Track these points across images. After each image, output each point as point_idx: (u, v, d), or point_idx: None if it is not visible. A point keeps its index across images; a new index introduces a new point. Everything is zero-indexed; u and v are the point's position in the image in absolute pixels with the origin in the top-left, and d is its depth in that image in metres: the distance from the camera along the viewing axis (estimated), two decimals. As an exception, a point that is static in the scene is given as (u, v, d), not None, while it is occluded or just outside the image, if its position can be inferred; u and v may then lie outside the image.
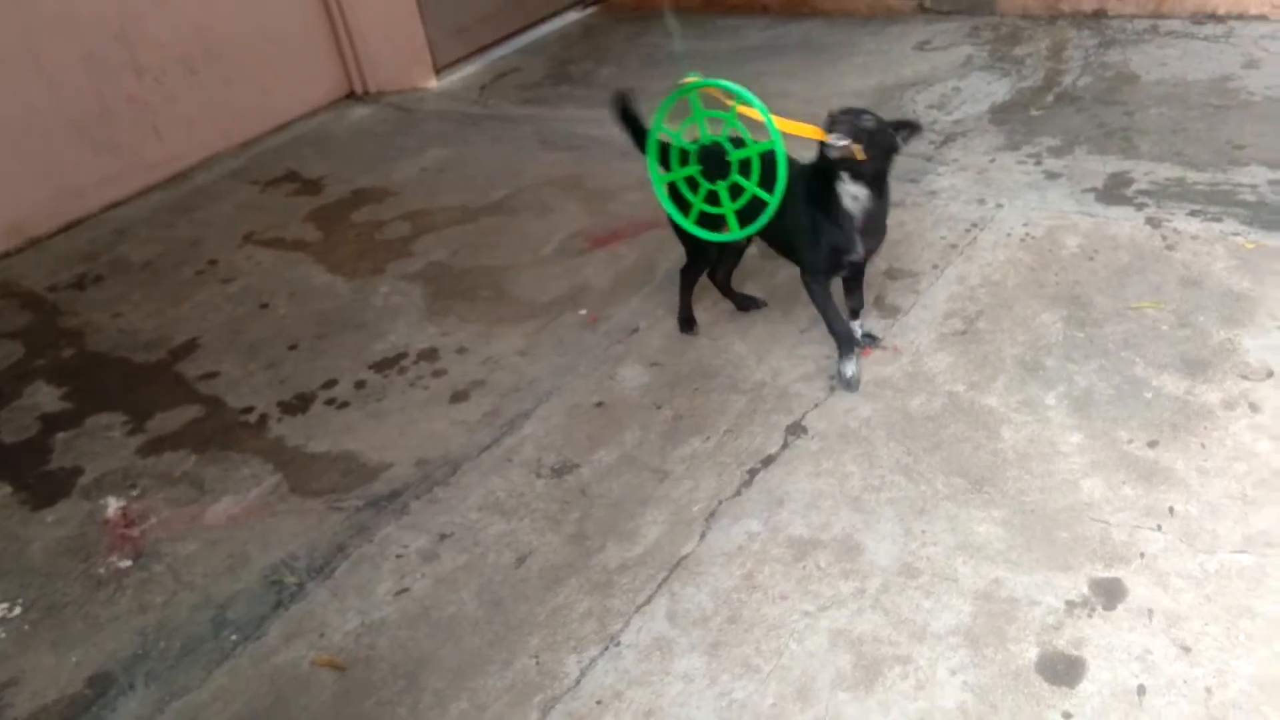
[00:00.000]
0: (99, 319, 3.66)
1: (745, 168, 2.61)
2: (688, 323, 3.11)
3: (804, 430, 2.65)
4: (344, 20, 5.17)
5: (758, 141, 2.57)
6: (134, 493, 2.80)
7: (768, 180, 2.56)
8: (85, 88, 4.33)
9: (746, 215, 2.66)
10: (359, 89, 5.40)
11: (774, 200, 2.56)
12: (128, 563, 2.56)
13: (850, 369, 2.76)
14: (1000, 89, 4.42)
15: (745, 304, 3.16)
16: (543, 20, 6.10)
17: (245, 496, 2.73)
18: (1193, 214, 3.28)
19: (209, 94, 4.77)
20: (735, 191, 2.66)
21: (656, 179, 2.77)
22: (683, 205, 2.78)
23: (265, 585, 2.43)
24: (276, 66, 5.02)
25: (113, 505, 2.76)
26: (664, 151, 2.74)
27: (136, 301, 3.74)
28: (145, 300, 3.74)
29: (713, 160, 2.66)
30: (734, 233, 2.70)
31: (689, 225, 2.76)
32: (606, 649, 2.14)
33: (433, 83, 5.47)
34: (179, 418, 3.08)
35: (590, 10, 6.34)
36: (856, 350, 2.80)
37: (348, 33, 5.21)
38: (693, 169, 2.69)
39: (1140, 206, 3.37)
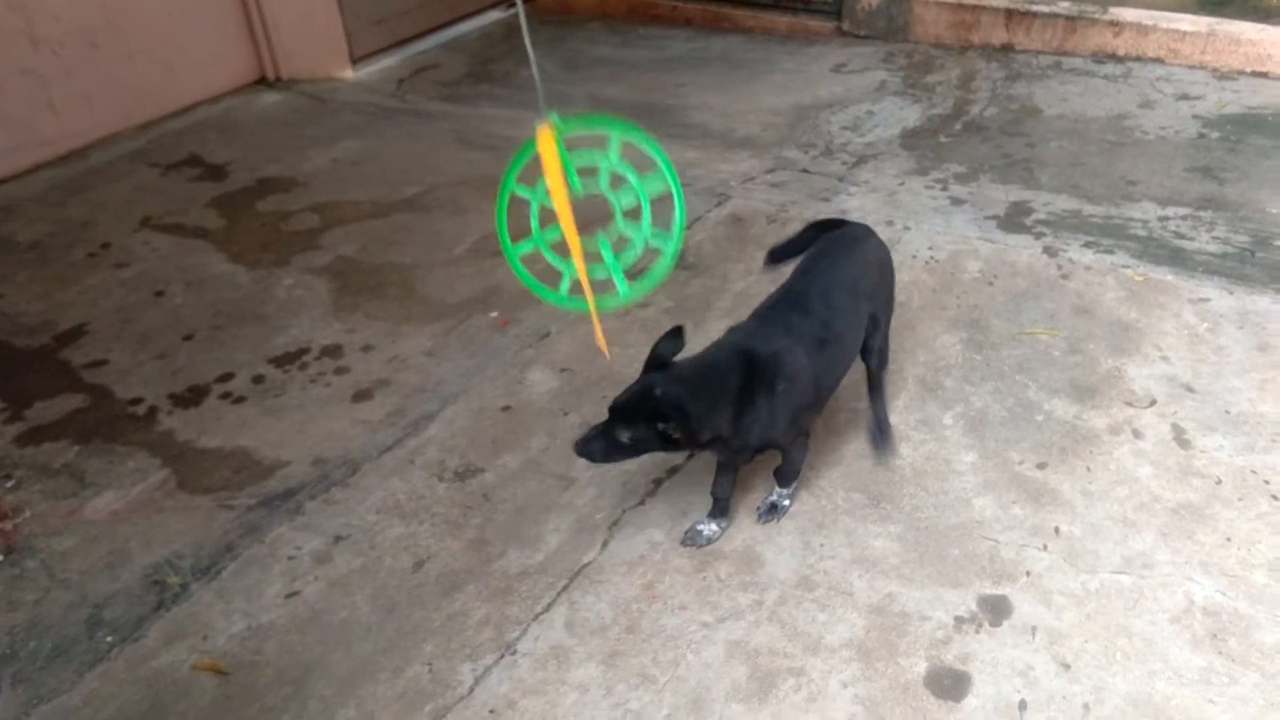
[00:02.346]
0: (-22, 299, 3.47)
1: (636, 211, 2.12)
2: None
3: (709, 441, 2.66)
4: (259, 4, 5.01)
5: (646, 177, 2.09)
6: (9, 484, 2.65)
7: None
8: (-26, 56, 4.11)
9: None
10: (270, 75, 5.24)
11: (671, 249, 2.13)
12: (-2, 558, 2.43)
13: (703, 527, 2.37)
14: (911, 115, 4.54)
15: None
16: (464, 17, 6.03)
17: (129, 491, 2.61)
18: (1087, 245, 3.42)
19: (109, 70, 4.57)
20: (621, 244, 2.15)
21: (509, 250, 2.21)
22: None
23: (146, 585, 2.33)
24: (183, 46, 4.84)
25: (-16, 497, 2.61)
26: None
27: (21, 283, 3.55)
28: (31, 282, 3.56)
29: None
30: (623, 294, 2.17)
31: (561, 300, 2.23)
32: (502, 657, 2.11)
33: (348, 73, 5.34)
34: (61, 406, 2.93)
35: (513, 10, 6.29)
36: (717, 520, 2.38)
37: (261, 16, 5.06)
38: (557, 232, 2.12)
39: (1039, 235, 3.50)
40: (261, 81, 5.24)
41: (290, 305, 3.36)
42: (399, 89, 5.19)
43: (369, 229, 3.80)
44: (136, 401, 2.94)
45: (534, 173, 2.07)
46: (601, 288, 2.17)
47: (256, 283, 3.49)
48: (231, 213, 3.97)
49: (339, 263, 3.59)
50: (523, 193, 2.16)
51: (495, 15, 6.18)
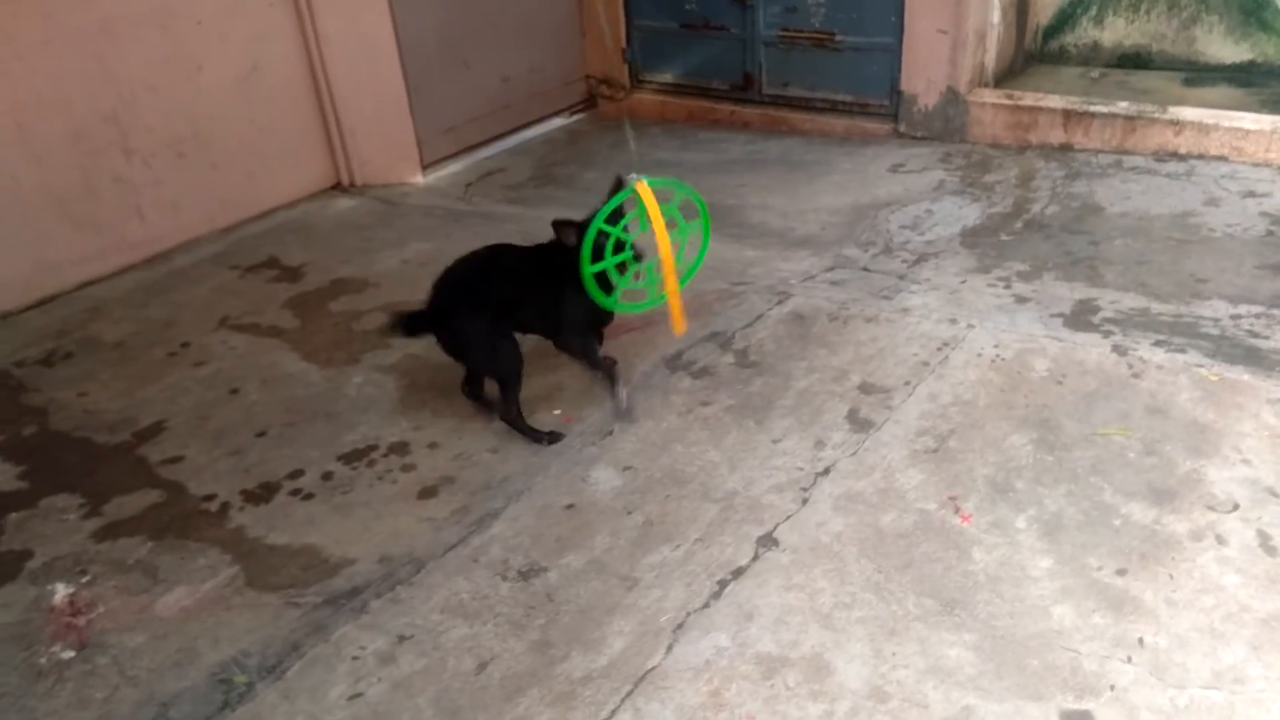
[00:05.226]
0: (64, 397, 3.60)
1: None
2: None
3: (775, 542, 2.63)
4: (336, 115, 5.26)
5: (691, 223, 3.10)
6: (84, 579, 2.71)
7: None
8: (71, 165, 4.35)
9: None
10: (345, 181, 5.47)
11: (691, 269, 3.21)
12: (71, 654, 2.46)
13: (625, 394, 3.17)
14: (971, 213, 4.56)
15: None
16: (530, 124, 6.25)
17: (199, 588, 2.65)
18: (1157, 344, 3.36)
19: (195, 178, 4.81)
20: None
21: (587, 270, 2.93)
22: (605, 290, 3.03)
23: (213, 684, 2.34)
24: (265, 155, 5.09)
25: (60, 591, 2.66)
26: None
27: (104, 381, 3.69)
28: (114, 380, 3.69)
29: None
30: (652, 300, 3.16)
31: (614, 304, 3.08)
32: (566, 765, 2.07)
33: (419, 178, 5.55)
34: (138, 502, 3.01)
35: (577, 117, 6.51)
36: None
37: (339, 127, 5.30)
38: (627, 255, 3.00)
39: (1107, 334, 3.45)
40: (337, 187, 5.47)
41: (360, 403, 3.43)
42: (466, 193, 5.37)
43: (436, 328, 3.88)
44: (209, 498, 3.00)
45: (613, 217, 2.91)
46: (636, 295, 3.15)
47: (328, 381, 3.58)
48: (306, 312, 4.10)
49: (407, 361, 3.67)
50: (607, 229, 2.92)
51: (559, 122, 6.40)
